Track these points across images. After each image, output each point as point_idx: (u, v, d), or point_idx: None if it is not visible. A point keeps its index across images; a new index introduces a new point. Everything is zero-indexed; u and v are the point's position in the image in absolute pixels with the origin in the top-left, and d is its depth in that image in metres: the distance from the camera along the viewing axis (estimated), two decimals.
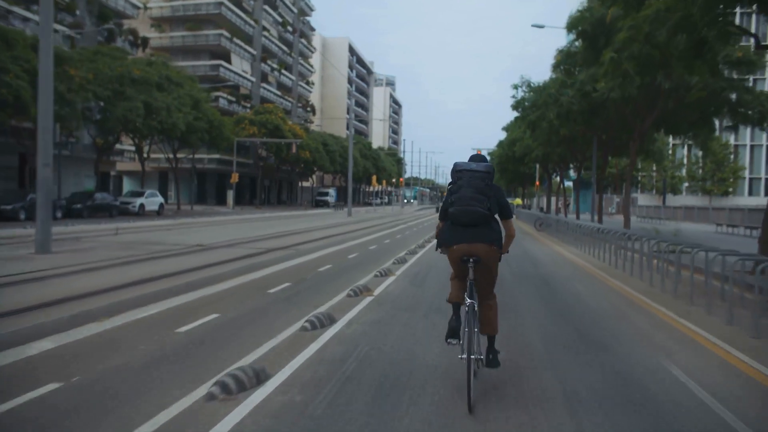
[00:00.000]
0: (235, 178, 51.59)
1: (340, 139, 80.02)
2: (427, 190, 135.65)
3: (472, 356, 4.16)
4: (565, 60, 19.56)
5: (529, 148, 35.31)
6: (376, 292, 8.95)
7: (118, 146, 38.45)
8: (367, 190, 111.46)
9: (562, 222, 24.29)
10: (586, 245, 16.70)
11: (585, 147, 29.61)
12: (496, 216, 4.51)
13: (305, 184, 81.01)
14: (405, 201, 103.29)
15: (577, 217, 30.54)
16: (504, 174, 58.61)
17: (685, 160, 64.11)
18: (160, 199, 35.72)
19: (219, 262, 12.35)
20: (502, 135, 54.21)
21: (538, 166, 53.75)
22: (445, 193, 4.87)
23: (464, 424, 3.93)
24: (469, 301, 4.33)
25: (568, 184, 66.26)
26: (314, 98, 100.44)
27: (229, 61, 58.81)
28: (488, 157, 47.24)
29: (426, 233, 23.61)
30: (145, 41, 47.65)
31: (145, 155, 38.66)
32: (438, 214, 4.94)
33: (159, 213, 35.14)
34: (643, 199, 59.65)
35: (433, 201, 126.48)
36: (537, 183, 54.98)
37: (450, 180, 4.54)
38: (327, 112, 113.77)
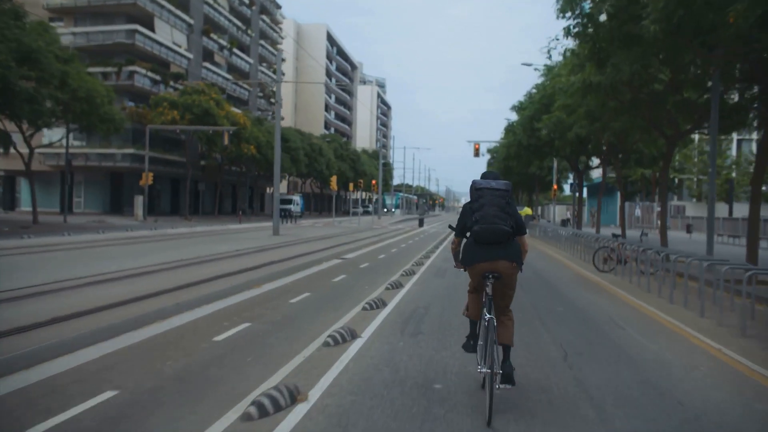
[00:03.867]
0: (147, 179, 37.94)
1: (308, 136, 66.34)
2: (415, 198, 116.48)
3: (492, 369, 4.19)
4: None
5: (560, 125, 21.80)
6: None
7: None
8: (349, 197, 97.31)
9: (655, 254, 10.98)
10: None
11: (679, 114, 16.12)
12: None
13: (271, 190, 67.15)
14: (385, 210, 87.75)
15: (663, 240, 16.96)
16: (507, 176, 39.59)
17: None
18: None
19: None
20: (501, 130, 40.24)
21: (556, 163, 40.17)
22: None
23: None
24: (488, 316, 4.39)
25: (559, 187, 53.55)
26: (287, 92, 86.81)
27: (151, 28, 45.19)
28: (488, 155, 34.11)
29: (382, 280, 10.08)
30: None
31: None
32: (453, 230, 4.88)
33: None
34: (690, 208, 46.11)
35: (423, 211, 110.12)
36: (555, 186, 41.24)
37: (469, 198, 4.62)
38: (302, 108, 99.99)
